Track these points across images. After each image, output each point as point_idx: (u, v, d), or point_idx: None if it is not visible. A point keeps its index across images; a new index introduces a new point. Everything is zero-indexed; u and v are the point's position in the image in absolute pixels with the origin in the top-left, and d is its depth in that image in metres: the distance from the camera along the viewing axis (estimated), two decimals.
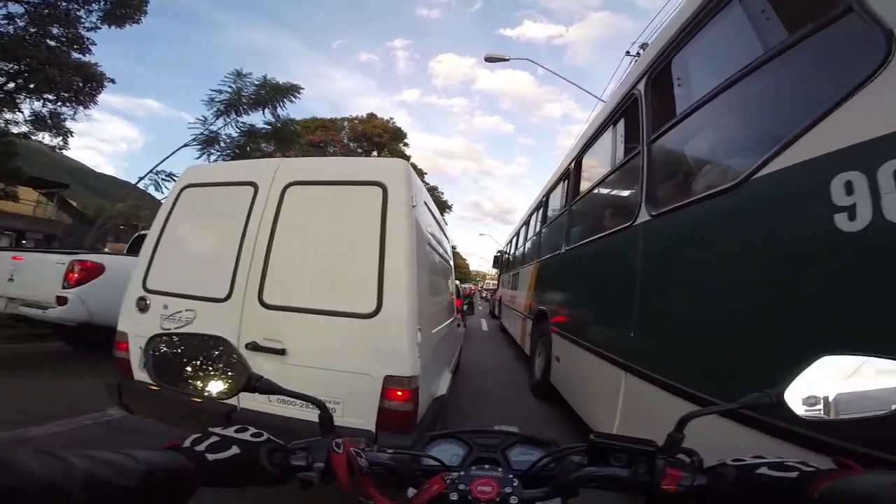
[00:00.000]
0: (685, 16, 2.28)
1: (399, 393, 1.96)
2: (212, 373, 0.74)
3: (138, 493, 0.43)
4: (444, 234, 4.09)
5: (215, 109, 10.63)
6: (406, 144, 35.14)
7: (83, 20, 10.59)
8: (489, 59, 11.75)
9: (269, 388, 0.71)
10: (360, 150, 31.54)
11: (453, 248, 6.19)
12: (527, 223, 8.60)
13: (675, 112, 2.37)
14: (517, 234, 10.18)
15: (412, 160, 34.63)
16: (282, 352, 2.10)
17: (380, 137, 32.43)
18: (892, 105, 1.16)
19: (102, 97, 12.17)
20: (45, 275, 4.79)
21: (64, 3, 10.00)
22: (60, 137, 12.10)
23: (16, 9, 9.63)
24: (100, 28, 10.88)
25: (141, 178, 10.89)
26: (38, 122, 11.44)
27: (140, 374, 2.33)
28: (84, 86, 11.42)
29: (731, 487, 0.56)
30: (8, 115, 10.97)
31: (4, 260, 5.06)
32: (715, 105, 2.03)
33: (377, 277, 2.05)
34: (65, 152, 13.50)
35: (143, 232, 6.30)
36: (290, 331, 2.12)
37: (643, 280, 2.41)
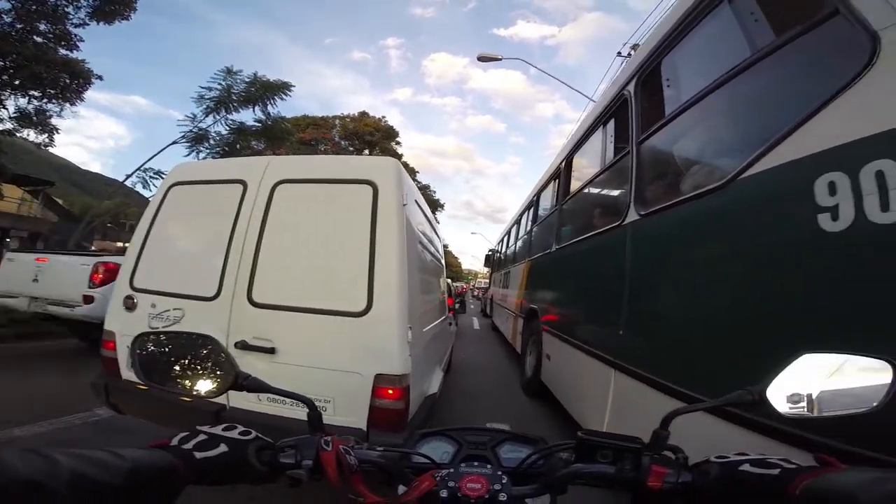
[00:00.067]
0: (674, 18, 2.30)
1: (390, 391, 1.96)
2: (199, 371, 0.73)
3: (125, 490, 0.43)
4: (436, 233, 4.09)
5: (205, 107, 10.53)
6: (398, 143, 35.06)
7: (71, 16, 10.41)
8: (482, 59, 11.76)
9: (256, 386, 0.71)
10: (351, 149, 31.39)
11: (445, 246, 6.20)
12: (518, 222, 8.62)
13: (664, 113, 2.39)
14: (508, 232, 10.21)
15: (404, 159, 34.55)
16: (271, 351, 2.09)
17: (371, 136, 32.30)
18: (874, 107, 1.18)
19: (89, 94, 11.97)
20: (70, 276, 5.12)
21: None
22: (46, 134, 11.87)
23: (2, 5, 9.45)
24: (88, 24, 10.71)
25: (128, 176, 10.75)
26: (22, 118, 11.22)
27: (128, 374, 2.31)
28: (71, 82, 11.21)
29: (715, 484, 0.57)
30: None
31: (29, 261, 5.40)
32: (703, 106, 2.06)
33: (367, 276, 2.05)
34: (50, 149, 13.26)
35: None
36: (279, 330, 2.11)
37: (632, 279, 2.43)
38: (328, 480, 0.62)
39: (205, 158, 10.33)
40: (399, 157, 28.70)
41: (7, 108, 10.96)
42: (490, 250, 14.42)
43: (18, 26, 9.77)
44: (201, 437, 0.60)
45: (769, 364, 0.64)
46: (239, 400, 2.11)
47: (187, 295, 2.30)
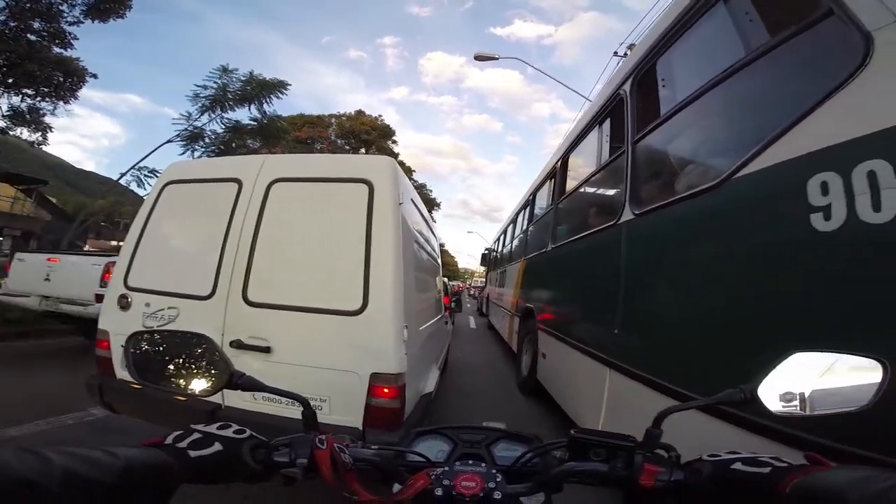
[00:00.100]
0: (670, 19, 2.31)
1: (386, 390, 1.96)
2: (193, 370, 0.73)
3: (118, 489, 0.43)
4: (432, 232, 4.09)
5: (200, 105, 10.45)
6: (394, 142, 34.98)
7: (65, 14, 10.31)
8: (479, 58, 11.75)
9: (251, 384, 0.71)
10: (347, 147, 31.29)
11: (441, 245, 6.20)
12: (514, 221, 8.64)
13: (660, 113, 2.40)
14: (505, 231, 10.22)
15: (400, 158, 34.50)
16: (267, 350, 2.08)
17: (368, 134, 32.22)
18: (867, 107, 1.19)
19: (84, 92, 11.85)
20: (81, 275, 5.24)
21: None
22: (39, 133, 11.76)
23: None
24: (82, 23, 10.62)
25: (123, 175, 10.64)
26: (15, 116, 11.12)
27: (122, 373, 2.29)
28: (65, 81, 11.11)
29: (707, 482, 0.58)
30: None
31: (40, 262, 5.57)
32: (697, 106, 2.06)
33: (363, 275, 2.05)
34: (44, 148, 13.14)
35: None
36: (275, 329, 2.11)
37: (627, 278, 2.44)
38: (323, 479, 0.63)
39: (200, 157, 10.26)
40: (395, 155, 28.65)
41: (0, 107, 10.87)
42: (486, 249, 14.43)
43: (12, 24, 9.67)
44: (195, 435, 0.60)
45: (761, 363, 0.64)
46: (234, 399, 2.10)
47: (182, 294, 2.29)
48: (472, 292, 32.92)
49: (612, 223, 2.70)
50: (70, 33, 10.61)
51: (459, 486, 0.63)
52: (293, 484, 0.64)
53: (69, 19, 10.40)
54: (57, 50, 10.65)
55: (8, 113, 11.01)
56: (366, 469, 0.70)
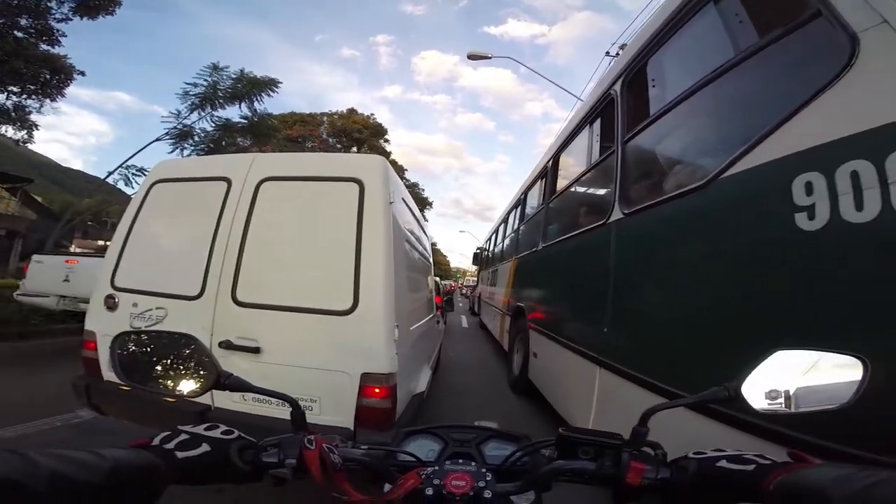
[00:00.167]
0: (661, 20, 2.33)
1: (377, 390, 1.96)
2: (181, 371, 0.73)
3: (105, 490, 0.43)
4: (424, 231, 4.09)
5: (190, 103, 10.34)
6: (387, 140, 34.89)
7: (54, 11, 10.16)
8: (472, 57, 11.74)
9: (238, 385, 0.70)
10: (339, 146, 31.13)
11: (433, 244, 6.20)
12: (506, 220, 8.66)
13: (649, 113, 2.42)
14: (496, 231, 10.24)
15: (393, 156, 34.40)
16: (256, 350, 2.07)
17: (360, 133, 32.11)
18: (851, 108, 1.21)
19: (71, 90, 11.67)
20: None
21: None
22: (25, 131, 11.57)
23: None
24: (71, 20, 10.46)
25: (110, 173, 10.49)
26: (0, 114, 10.93)
27: (109, 374, 2.27)
28: (52, 78, 10.94)
29: (693, 480, 0.58)
30: None
31: (58, 264, 5.89)
32: (686, 106, 2.09)
33: (353, 274, 2.04)
34: (30, 146, 12.91)
35: None
36: (264, 329, 2.10)
37: (616, 277, 2.46)
38: (312, 479, 0.62)
39: (189, 155, 10.15)
40: (388, 154, 28.58)
41: None
42: (478, 248, 14.45)
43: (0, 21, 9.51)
44: (183, 436, 0.60)
45: (745, 360, 0.65)
46: (224, 400, 2.09)
47: (170, 294, 2.26)
48: (464, 291, 32.92)
49: (601, 222, 2.72)
50: (58, 30, 10.46)
51: (450, 486, 0.63)
52: (283, 485, 0.64)
53: (57, 16, 10.26)
54: (44, 47, 10.48)
55: None
56: (356, 469, 0.70)
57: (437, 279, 7.61)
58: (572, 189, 3.89)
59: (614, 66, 3.24)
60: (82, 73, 11.54)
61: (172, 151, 10.54)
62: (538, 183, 5.51)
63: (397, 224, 2.33)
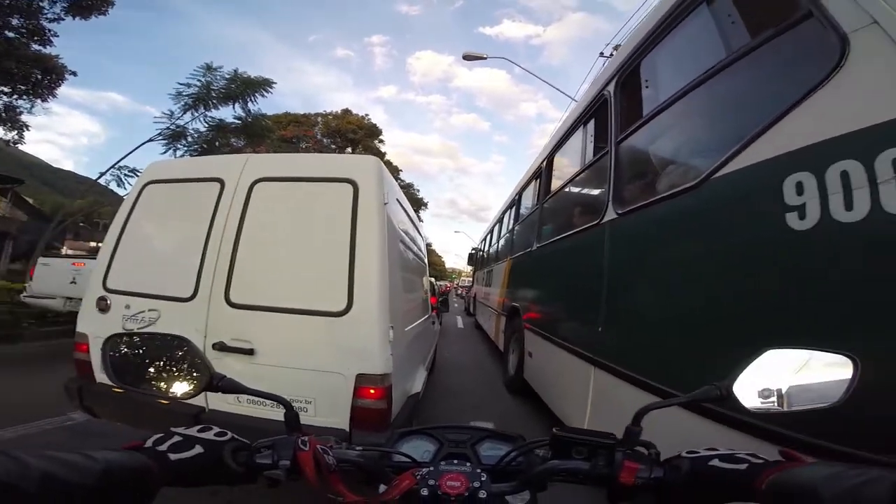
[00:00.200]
0: (654, 21, 2.34)
1: (372, 391, 1.95)
2: (173, 373, 0.73)
3: (98, 492, 0.43)
4: (419, 232, 4.08)
5: (183, 103, 10.27)
6: (381, 141, 34.82)
7: (46, 10, 10.06)
8: (467, 58, 11.76)
9: (231, 387, 0.70)
10: (333, 147, 31.03)
11: (429, 245, 6.20)
12: (500, 221, 8.67)
13: (642, 113, 2.44)
14: (491, 231, 10.25)
15: (388, 157, 34.35)
16: (250, 352, 2.06)
17: (354, 133, 32.03)
18: (841, 109, 1.22)
19: (63, 90, 11.58)
20: None
21: None
22: (15, 131, 11.48)
23: None
24: (63, 19, 10.37)
25: (102, 174, 10.39)
26: None
27: (102, 377, 2.25)
28: (43, 78, 10.83)
29: (686, 479, 0.58)
30: None
31: (65, 266, 6.07)
32: (679, 107, 2.10)
33: (347, 275, 2.04)
34: (20, 147, 12.80)
35: None
36: (258, 330, 2.09)
37: (610, 277, 2.47)
38: (306, 480, 0.62)
39: (182, 156, 10.08)
40: (382, 155, 28.54)
41: None
42: (473, 249, 14.48)
43: None
44: (176, 438, 0.59)
45: (737, 359, 0.65)
46: (218, 402, 2.08)
47: (163, 296, 2.25)
48: (459, 292, 32.89)
49: (595, 223, 2.73)
50: (50, 30, 10.37)
51: (445, 486, 0.63)
52: (277, 486, 0.64)
53: (49, 16, 10.16)
54: (36, 47, 10.38)
55: None
56: (350, 470, 0.70)
57: (433, 280, 7.60)
58: (566, 189, 3.90)
59: (608, 66, 3.26)
60: (74, 74, 11.46)
61: (165, 152, 10.46)
62: (533, 183, 5.53)
63: (392, 225, 2.33)
